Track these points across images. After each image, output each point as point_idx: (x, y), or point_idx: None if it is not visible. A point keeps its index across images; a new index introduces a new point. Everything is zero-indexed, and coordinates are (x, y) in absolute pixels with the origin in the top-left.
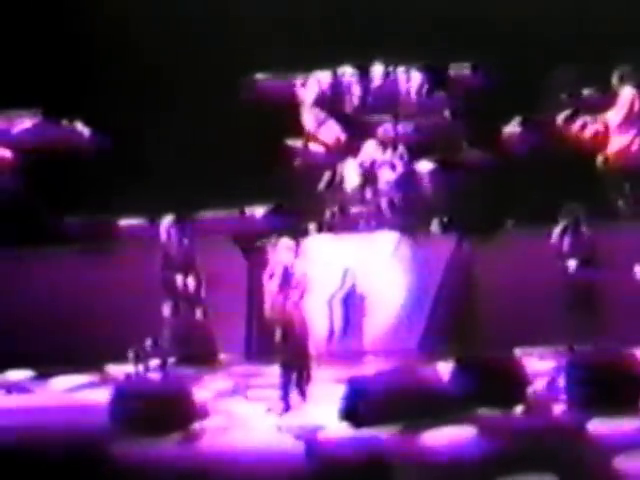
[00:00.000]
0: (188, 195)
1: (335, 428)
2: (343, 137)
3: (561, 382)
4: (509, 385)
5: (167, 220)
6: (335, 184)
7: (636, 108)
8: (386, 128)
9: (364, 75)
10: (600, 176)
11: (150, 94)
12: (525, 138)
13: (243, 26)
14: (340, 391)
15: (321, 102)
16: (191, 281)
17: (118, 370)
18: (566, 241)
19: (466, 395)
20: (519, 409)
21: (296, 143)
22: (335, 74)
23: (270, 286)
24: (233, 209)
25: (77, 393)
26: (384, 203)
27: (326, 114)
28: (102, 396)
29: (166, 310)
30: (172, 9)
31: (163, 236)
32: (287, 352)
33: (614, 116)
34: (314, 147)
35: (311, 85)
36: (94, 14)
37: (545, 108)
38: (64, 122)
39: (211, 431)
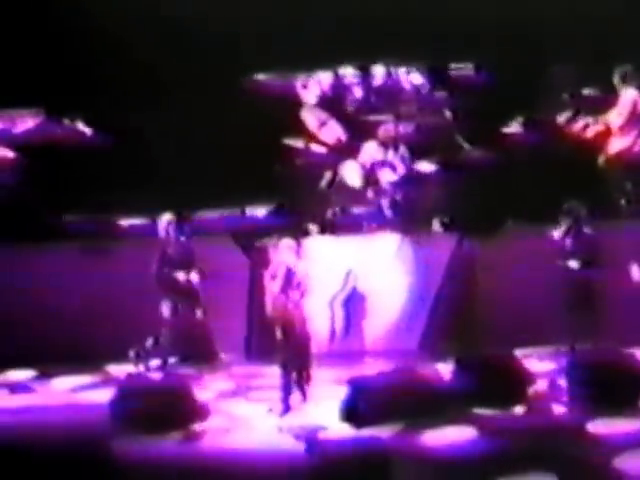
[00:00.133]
0: (189, 194)
1: (336, 428)
2: (344, 137)
3: (561, 382)
4: (510, 385)
5: (165, 218)
6: (336, 184)
7: (638, 109)
8: (387, 128)
9: (365, 75)
10: (602, 176)
11: (151, 93)
12: (526, 138)
13: (244, 26)
14: (341, 391)
15: (322, 102)
16: (190, 280)
17: (119, 370)
18: (567, 241)
19: (467, 395)
20: (519, 409)
21: (297, 143)
22: (336, 74)
23: (271, 286)
24: (234, 209)
25: (79, 393)
26: (385, 203)
27: (327, 114)
28: (104, 396)
29: (165, 310)
30: (173, 9)
31: (161, 234)
32: (288, 352)
33: (615, 117)
34: (315, 147)
35: (312, 85)
36: (96, 13)
37: (546, 108)
38: (65, 121)
39: (212, 431)
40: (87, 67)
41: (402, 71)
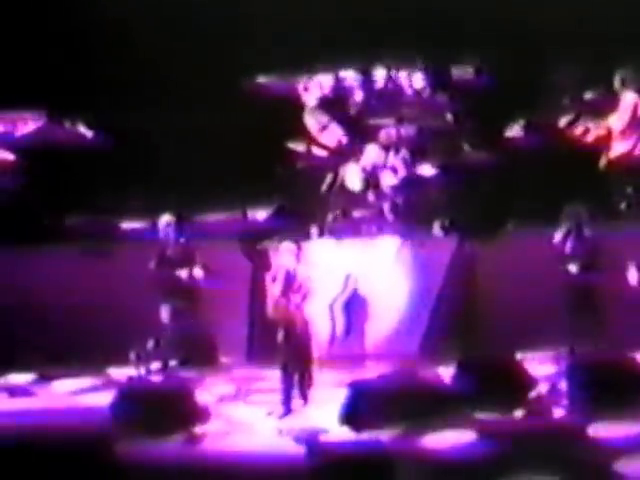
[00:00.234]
0: (190, 197)
1: (336, 431)
2: (345, 140)
3: (562, 385)
4: (510, 388)
5: (164, 219)
6: (337, 187)
7: (638, 113)
8: (388, 131)
9: (366, 78)
10: (602, 179)
11: (153, 96)
12: (527, 141)
13: (245, 28)
14: (341, 394)
15: (323, 105)
16: (189, 281)
17: (120, 373)
18: (568, 244)
19: (467, 398)
20: (520, 412)
21: (298, 146)
22: (338, 77)
23: (272, 289)
24: (235, 211)
25: (80, 396)
26: (386, 206)
27: (328, 117)
28: (104, 399)
29: (164, 314)
30: (175, 11)
31: (161, 235)
32: (289, 355)
33: (617, 121)
34: (316, 150)
35: (313, 88)
36: (97, 16)
37: (547, 111)
38: (67, 124)
39: (212, 434)
40: (88, 69)
41: (403, 74)
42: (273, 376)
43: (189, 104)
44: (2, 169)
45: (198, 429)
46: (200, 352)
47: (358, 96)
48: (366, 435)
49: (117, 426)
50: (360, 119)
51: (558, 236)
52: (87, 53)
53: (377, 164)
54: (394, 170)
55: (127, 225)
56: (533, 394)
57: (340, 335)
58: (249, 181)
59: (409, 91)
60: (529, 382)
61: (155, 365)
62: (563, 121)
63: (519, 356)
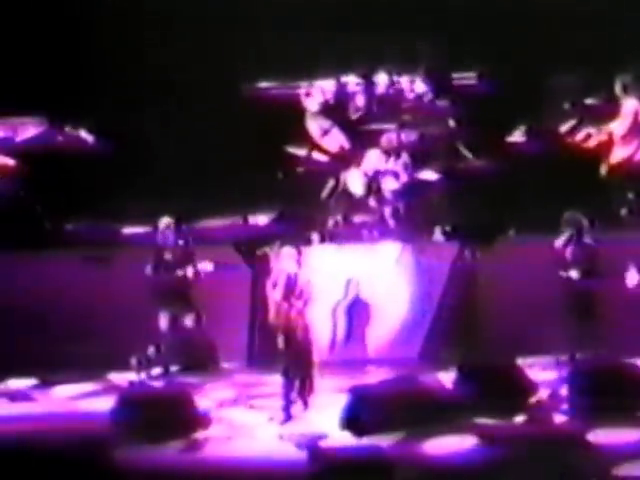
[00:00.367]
0: (191, 202)
1: (337, 437)
2: (347, 146)
3: (563, 391)
4: (511, 394)
5: (163, 222)
6: (338, 193)
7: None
8: (390, 137)
9: (368, 83)
10: (603, 186)
11: (153, 101)
12: (529, 147)
13: (246, 34)
14: (342, 399)
15: (325, 110)
16: (188, 285)
17: (120, 378)
18: (569, 250)
19: (468, 403)
20: (521, 418)
21: (300, 151)
22: (339, 82)
23: (273, 295)
24: (236, 217)
25: (80, 401)
26: (388, 212)
27: (330, 122)
28: (105, 404)
29: (163, 321)
30: (176, 16)
31: (159, 238)
32: (290, 361)
33: (618, 127)
34: (317, 155)
35: (315, 93)
36: (98, 21)
37: (549, 117)
38: (67, 129)
39: (213, 439)
40: (89, 75)
41: (405, 79)
42: (274, 381)
43: (190, 109)
44: (3, 174)
45: (199, 435)
46: (201, 357)
47: (360, 101)
48: (367, 440)
49: (117, 431)
50: (362, 124)
51: (559, 242)
52: (88, 58)
53: (378, 169)
54: (395, 175)
55: (128, 230)
56: (534, 400)
57: (341, 340)
58: (250, 186)
59: (411, 96)
60: (530, 388)
61: (156, 370)
62: (564, 127)
63: (520, 362)
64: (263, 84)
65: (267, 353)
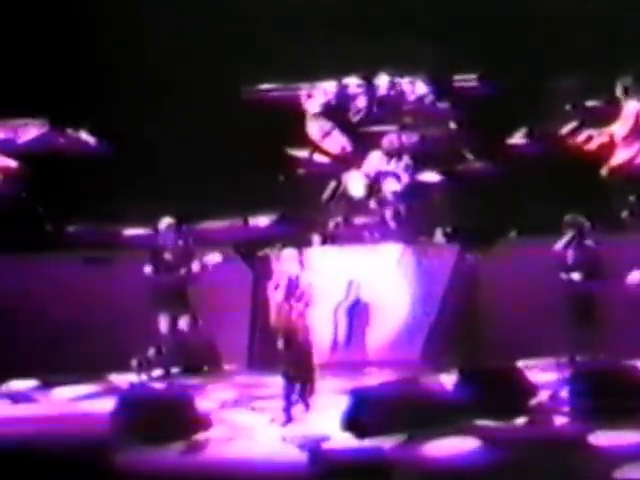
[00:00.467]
0: (191, 204)
1: (338, 438)
2: (348, 147)
3: (564, 393)
4: (512, 396)
5: (164, 222)
6: (339, 194)
7: None
8: (391, 138)
9: (369, 85)
10: (605, 188)
11: (154, 103)
12: (530, 149)
13: (247, 36)
14: (343, 401)
15: (326, 112)
16: (189, 288)
17: (121, 379)
18: (570, 253)
19: (469, 406)
20: (522, 420)
21: (301, 153)
22: (340, 84)
23: (274, 296)
24: (237, 218)
25: (81, 402)
26: (388, 214)
27: (331, 124)
28: (106, 405)
29: (163, 324)
30: (176, 19)
31: (160, 239)
32: (291, 362)
33: (619, 129)
34: (319, 157)
35: (316, 95)
36: (99, 24)
37: (550, 119)
38: (69, 131)
39: (214, 441)
40: (90, 77)
41: (406, 81)
42: (275, 383)
43: (191, 111)
44: (4, 175)
45: (200, 436)
46: (201, 359)
47: (361, 103)
48: (368, 442)
49: (118, 433)
50: (363, 126)
51: (560, 244)
52: (89, 60)
53: (379, 171)
54: (396, 177)
55: (128, 232)
56: (534, 402)
57: (342, 342)
58: (251, 188)
59: (412, 98)
60: (530, 390)
61: (157, 372)
62: (565, 129)
63: (520, 364)
64: (264, 86)
65: (268, 355)
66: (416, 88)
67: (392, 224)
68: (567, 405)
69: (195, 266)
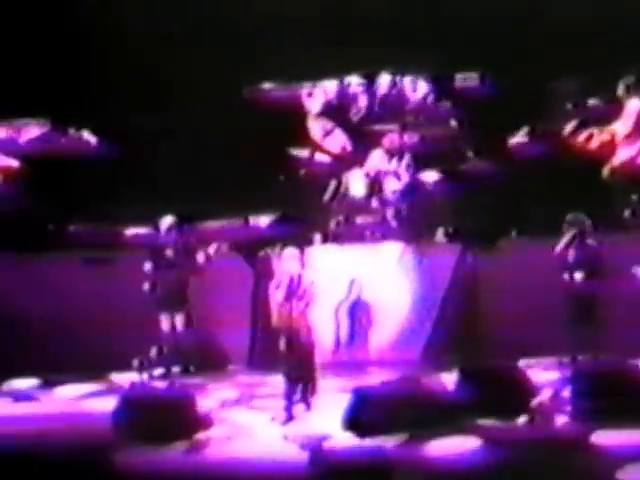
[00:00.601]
0: (193, 204)
1: (339, 438)
2: (349, 147)
3: (565, 393)
4: (513, 395)
5: (166, 221)
6: (340, 194)
7: None
8: (392, 138)
9: (371, 85)
10: (606, 187)
11: (156, 103)
12: (531, 148)
13: (249, 35)
14: (345, 400)
15: (327, 111)
16: (189, 287)
17: (123, 379)
18: (571, 252)
19: (470, 405)
20: (523, 420)
21: (302, 152)
22: (341, 84)
23: (275, 296)
24: (238, 218)
25: (82, 401)
26: (390, 213)
27: (332, 124)
28: (107, 404)
29: (165, 324)
30: (178, 19)
31: (161, 237)
32: (292, 362)
33: (620, 127)
34: (320, 156)
35: (317, 94)
36: (101, 24)
37: (551, 118)
38: (71, 131)
39: (215, 440)
40: (92, 77)
41: (407, 81)
42: (276, 382)
43: (192, 111)
44: (6, 176)
45: (201, 435)
46: (203, 358)
47: (362, 102)
48: (369, 441)
49: (119, 432)
50: (364, 125)
51: (561, 244)
52: (90, 61)
53: (381, 170)
54: (398, 176)
55: (130, 232)
56: (536, 402)
57: (343, 341)
58: (252, 188)
59: (413, 98)
60: (532, 390)
61: (158, 371)
62: (567, 129)
63: (522, 363)
64: (265, 85)
65: (269, 353)
66: (417, 87)
67: (393, 223)
68: (568, 405)
69: (200, 257)
